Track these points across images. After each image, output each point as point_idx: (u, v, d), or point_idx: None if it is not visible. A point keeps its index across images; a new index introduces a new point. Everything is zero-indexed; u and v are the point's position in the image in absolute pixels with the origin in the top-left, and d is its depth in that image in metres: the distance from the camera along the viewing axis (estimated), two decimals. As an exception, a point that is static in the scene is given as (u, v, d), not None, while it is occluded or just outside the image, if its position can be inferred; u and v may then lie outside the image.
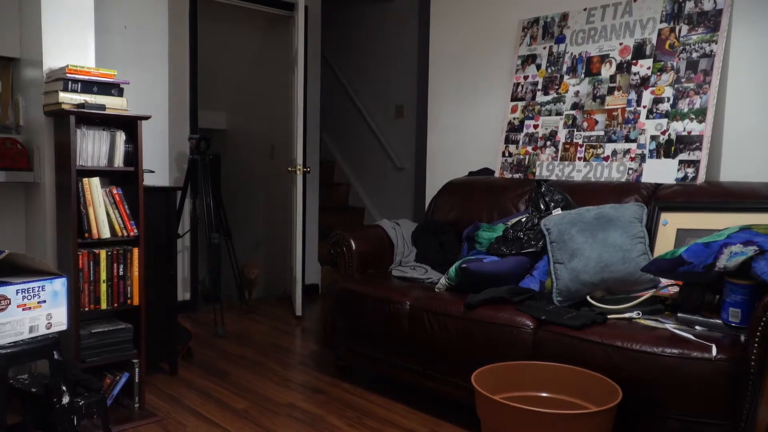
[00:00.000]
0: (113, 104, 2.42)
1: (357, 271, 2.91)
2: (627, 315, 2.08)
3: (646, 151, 2.73)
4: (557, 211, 2.56)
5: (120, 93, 2.46)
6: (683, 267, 1.92)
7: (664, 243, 2.40)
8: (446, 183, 3.39)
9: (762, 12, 2.52)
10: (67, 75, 2.31)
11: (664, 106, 2.70)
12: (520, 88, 3.29)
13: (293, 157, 4.17)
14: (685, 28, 2.69)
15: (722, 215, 2.31)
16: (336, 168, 5.66)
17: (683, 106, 2.64)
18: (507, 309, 2.21)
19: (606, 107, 2.91)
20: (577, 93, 3.03)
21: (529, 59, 3.27)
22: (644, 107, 2.77)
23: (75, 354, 2.31)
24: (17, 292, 1.97)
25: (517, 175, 3.22)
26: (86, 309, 2.34)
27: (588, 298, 2.23)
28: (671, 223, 2.43)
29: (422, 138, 3.91)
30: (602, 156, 2.89)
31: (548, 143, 3.11)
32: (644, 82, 2.79)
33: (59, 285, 2.10)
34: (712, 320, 1.90)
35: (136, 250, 2.44)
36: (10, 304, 1.95)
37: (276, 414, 2.49)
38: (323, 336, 3.51)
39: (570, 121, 3.04)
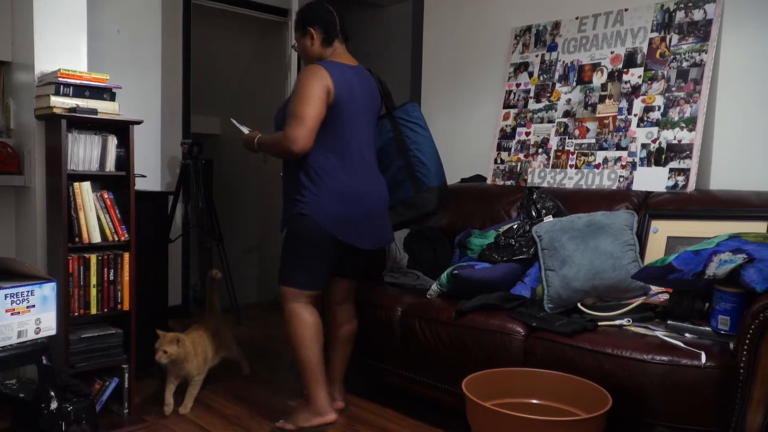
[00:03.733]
0: (105, 108, 2.41)
1: (349, 277, 2.90)
2: (617, 322, 2.09)
3: (637, 159, 2.75)
4: (549, 219, 2.57)
5: (112, 97, 2.45)
6: (673, 274, 1.93)
7: (655, 250, 2.41)
8: (438, 189, 3.39)
9: (751, 22, 2.55)
10: (59, 79, 2.30)
11: (655, 115, 2.73)
12: (512, 96, 3.31)
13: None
14: (675, 38, 2.72)
15: (712, 223, 2.32)
16: (329, 173, 5.64)
17: (674, 114, 2.66)
18: (498, 316, 2.22)
19: (597, 115, 2.93)
20: (568, 101, 3.05)
21: (521, 67, 3.29)
22: (635, 115, 2.79)
23: (64, 359, 2.30)
24: (6, 297, 1.96)
25: (508, 182, 3.23)
26: (76, 314, 2.33)
27: (579, 305, 2.24)
28: (661, 230, 2.44)
29: (415, 144, 3.91)
30: (593, 164, 2.90)
31: (540, 150, 3.13)
32: (635, 90, 2.81)
33: (49, 289, 2.09)
34: (701, 328, 1.91)
35: (126, 255, 2.43)
36: (-2, 308, 1.94)
37: (267, 420, 2.48)
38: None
39: (562, 129, 3.06)
